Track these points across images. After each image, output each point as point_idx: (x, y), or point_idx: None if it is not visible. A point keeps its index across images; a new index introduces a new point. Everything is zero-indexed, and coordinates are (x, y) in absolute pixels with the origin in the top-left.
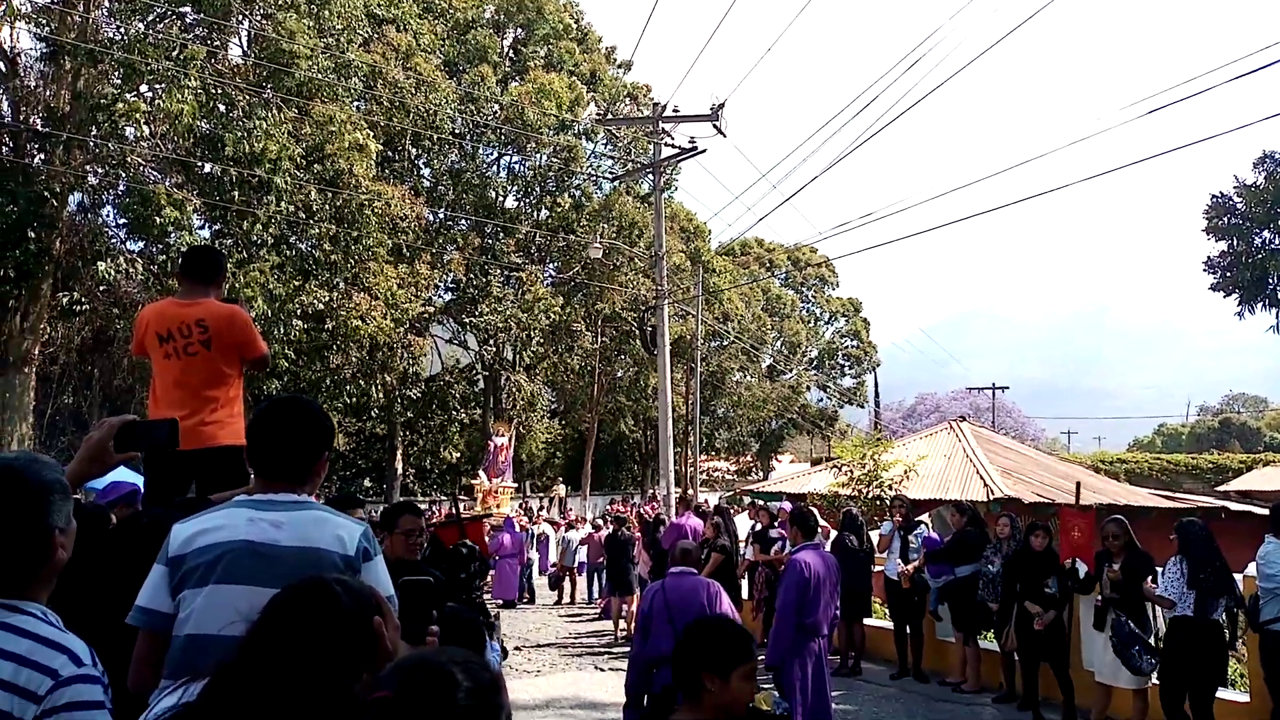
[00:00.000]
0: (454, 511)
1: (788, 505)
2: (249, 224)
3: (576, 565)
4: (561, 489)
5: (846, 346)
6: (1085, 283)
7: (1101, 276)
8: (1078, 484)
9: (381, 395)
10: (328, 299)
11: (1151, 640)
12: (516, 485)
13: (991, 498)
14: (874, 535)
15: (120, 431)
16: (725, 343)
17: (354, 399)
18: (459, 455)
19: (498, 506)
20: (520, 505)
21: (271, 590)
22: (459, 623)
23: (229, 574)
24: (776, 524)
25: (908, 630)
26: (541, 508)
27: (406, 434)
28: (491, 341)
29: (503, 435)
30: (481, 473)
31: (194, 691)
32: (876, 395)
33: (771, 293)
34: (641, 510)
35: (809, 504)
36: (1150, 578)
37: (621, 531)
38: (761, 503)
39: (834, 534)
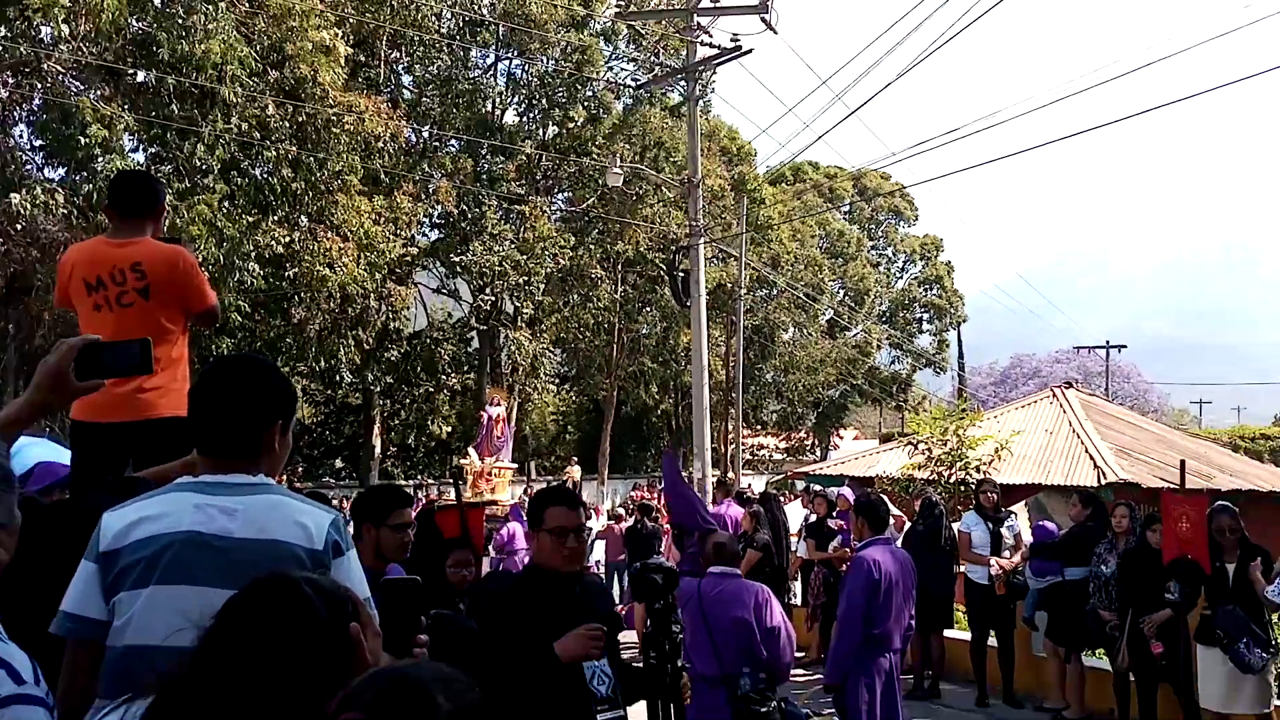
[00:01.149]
0: (457, 494)
1: (850, 492)
2: (192, 146)
3: (593, 564)
4: (575, 471)
5: (925, 296)
6: (1222, 218)
7: (1243, 210)
8: (1181, 462)
9: (355, 357)
10: (288, 239)
11: (1269, 640)
12: (518, 466)
13: (1104, 482)
14: (956, 528)
15: (82, 354)
16: (775, 292)
17: (321, 361)
18: (450, 430)
19: (491, 492)
20: (524, 491)
21: (226, 591)
22: (451, 632)
23: (174, 572)
24: (836, 514)
25: (995, 644)
26: None
27: (385, 404)
28: (488, 291)
29: (499, 404)
30: (471, 450)
31: (136, 713)
32: (961, 356)
33: (832, 229)
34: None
35: (877, 490)
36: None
37: (646, 523)
38: (818, 488)
39: (907, 526)
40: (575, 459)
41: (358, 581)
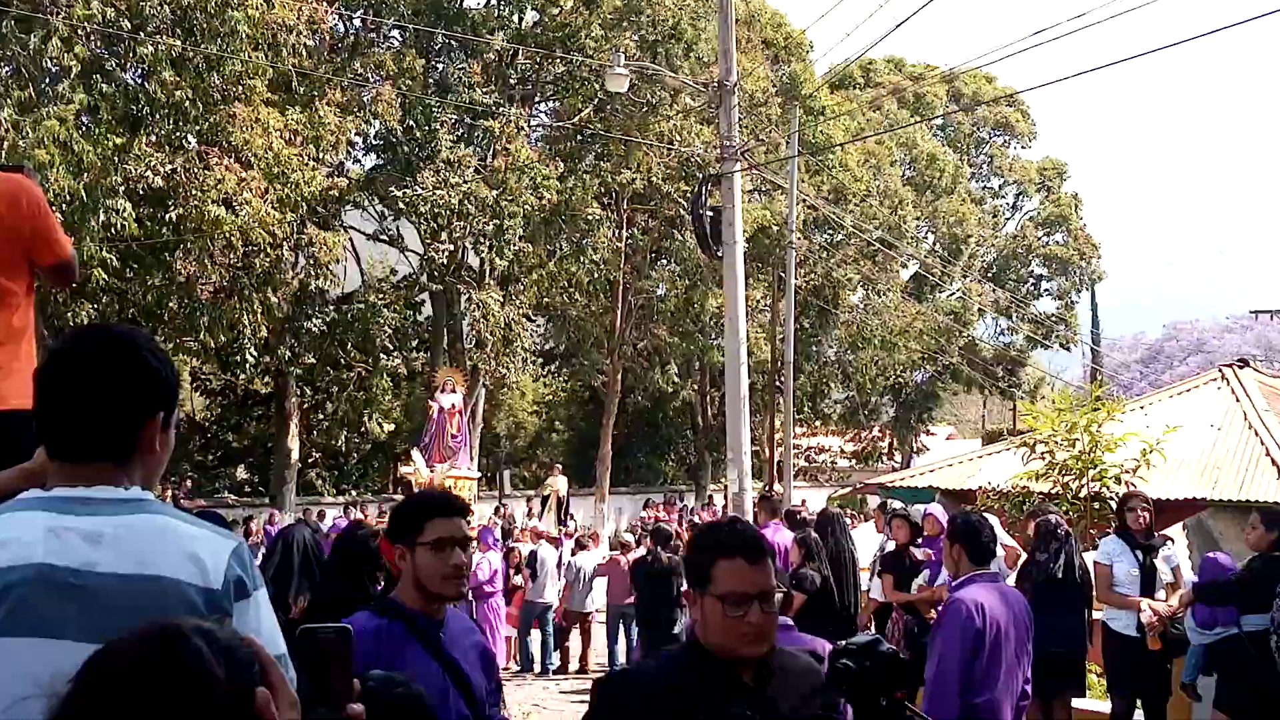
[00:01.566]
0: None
1: (942, 511)
2: (39, 40)
3: (591, 610)
4: (559, 482)
5: (1045, 243)
6: None
7: None
8: None
9: (263, 328)
10: (170, 167)
11: None
12: (483, 476)
13: None
14: (1090, 560)
15: None
16: (839, 237)
17: (217, 335)
18: (392, 428)
19: None
20: (496, 510)
21: (88, 646)
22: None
23: (18, 621)
24: (922, 541)
25: (1143, 717)
26: (530, 514)
27: (305, 393)
28: (444, 237)
29: (453, 390)
30: (416, 455)
31: None
32: (1095, 325)
33: (919, 151)
34: (697, 519)
35: (979, 508)
36: None
37: (661, 555)
38: (898, 506)
39: (1022, 558)
40: (559, 466)
41: (268, 633)
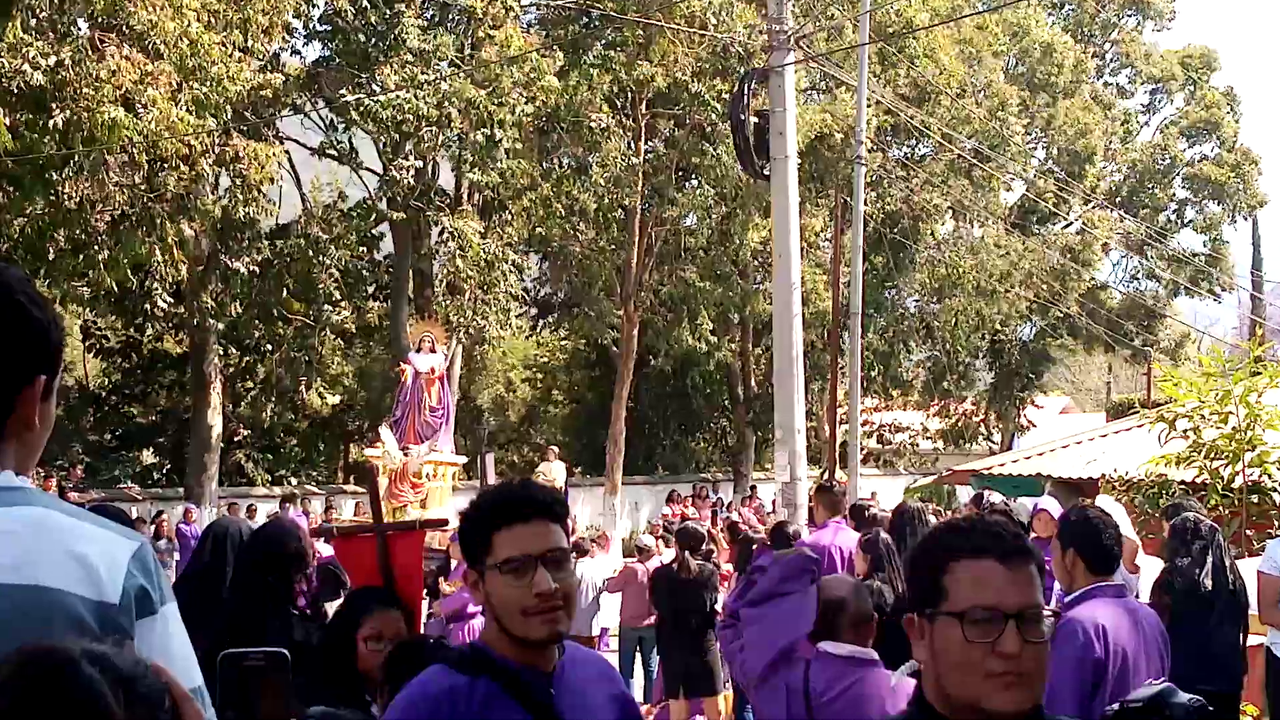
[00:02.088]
0: (374, 508)
1: (1055, 505)
2: None
3: (597, 632)
4: (554, 469)
5: (1191, 160)
6: None
7: None
8: None
9: (177, 268)
10: (53, 59)
11: None
12: (469, 462)
13: None
14: (1247, 569)
15: None
16: (922, 150)
17: (115, 275)
18: (341, 399)
19: (423, 505)
20: None
21: None
22: None
23: None
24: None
25: None
26: None
27: (230, 352)
28: (409, 151)
29: (431, 350)
30: (385, 432)
31: None
32: (1257, 266)
33: (1028, 40)
34: (736, 516)
35: (1100, 501)
36: None
37: (691, 563)
38: (998, 499)
39: (1156, 566)
40: (554, 450)
41: (180, 659)
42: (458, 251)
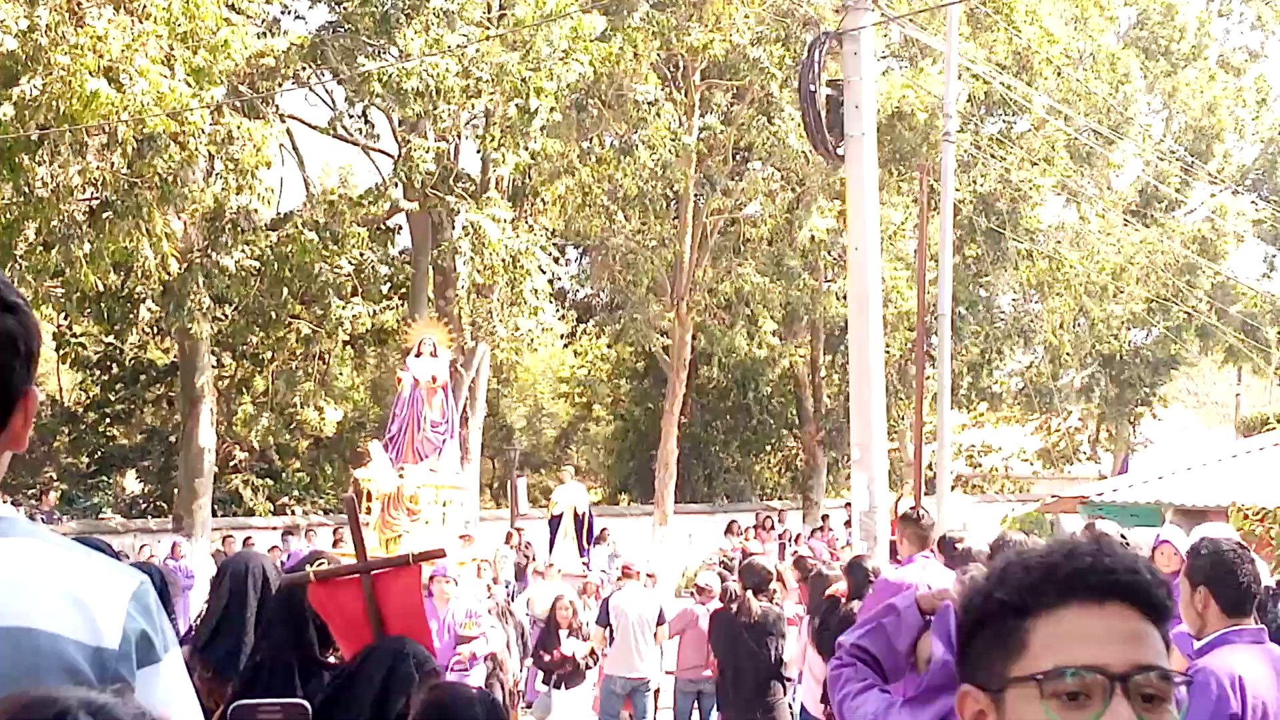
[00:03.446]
0: (357, 543)
1: (1178, 535)
2: None
3: (649, 685)
4: (573, 493)
5: None
6: None
7: None
8: None
9: (166, 265)
10: (25, 20)
11: None
12: (490, 485)
13: None
14: None
15: None
16: (1022, 127)
17: (95, 273)
18: (349, 412)
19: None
20: (508, 537)
21: None
22: None
23: None
24: None
25: None
26: (512, 544)
27: (225, 362)
28: (429, 128)
29: (433, 355)
30: (375, 449)
31: None
32: None
33: (1152, 1)
34: (805, 549)
35: (1232, 533)
36: None
37: (753, 604)
38: (1115, 529)
39: None
40: (570, 469)
41: (184, 712)
42: (476, 244)
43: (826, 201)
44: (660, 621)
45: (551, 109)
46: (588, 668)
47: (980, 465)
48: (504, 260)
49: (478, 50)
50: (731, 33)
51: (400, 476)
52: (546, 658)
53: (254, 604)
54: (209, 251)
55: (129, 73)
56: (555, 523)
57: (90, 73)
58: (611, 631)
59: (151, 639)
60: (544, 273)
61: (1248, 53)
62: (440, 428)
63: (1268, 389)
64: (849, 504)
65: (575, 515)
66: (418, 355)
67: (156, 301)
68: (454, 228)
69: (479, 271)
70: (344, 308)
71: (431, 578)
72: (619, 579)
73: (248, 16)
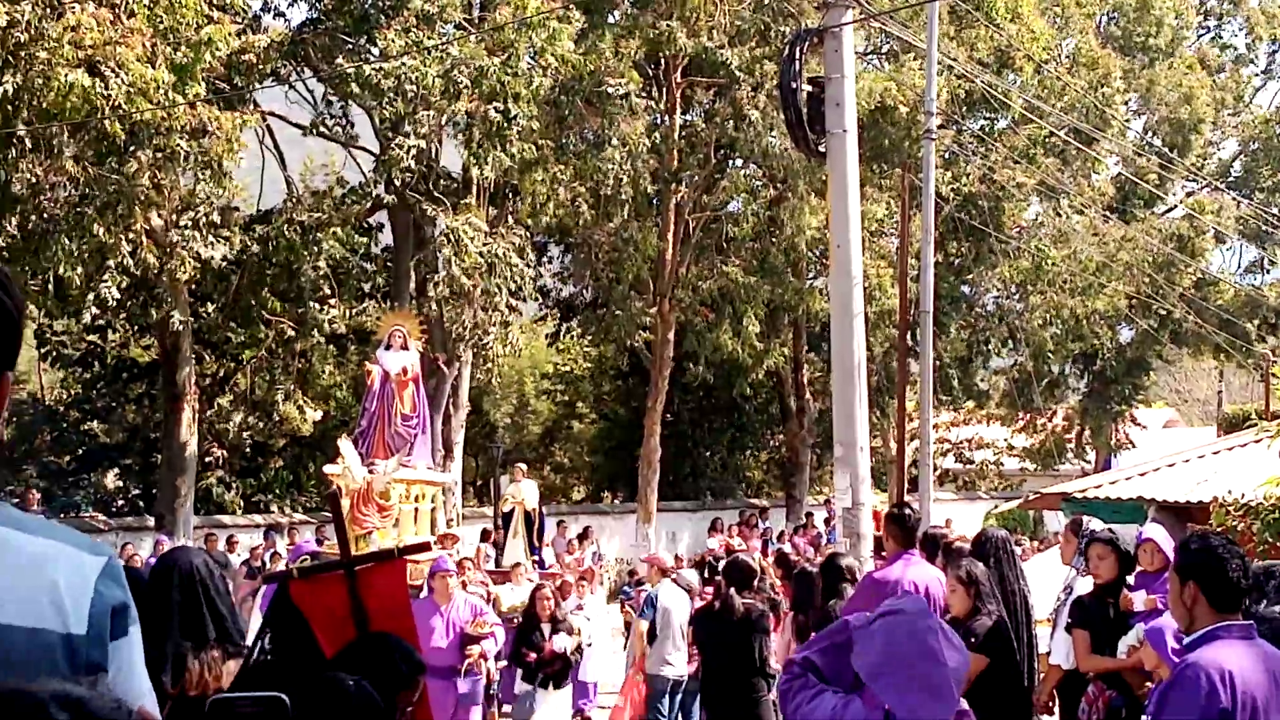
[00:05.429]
0: (341, 538)
1: (1164, 532)
2: None
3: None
4: (523, 490)
5: None
6: None
7: None
8: None
9: (147, 259)
10: (5, 22)
11: None
12: (474, 483)
13: None
14: None
15: None
16: (1003, 123)
17: (74, 269)
18: (327, 413)
19: (394, 528)
20: (486, 534)
21: None
22: None
23: None
24: (1135, 579)
25: None
26: (495, 539)
27: (206, 357)
28: (409, 128)
29: (403, 348)
30: (345, 445)
31: None
32: None
33: None
34: (788, 547)
35: (1214, 528)
36: None
37: (736, 601)
38: (1097, 526)
39: None
40: (521, 468)
41: (145, 686)
42: (452, 248)
43: (810, 199)
44: None
45: (532, 114)
46: (576, 664)
47: (969, 462)
48: (479, 269)
49: (460, 51)
50: (711, 29)
51: (370, 471)
52: (531, 656)
53: (176, 601)
54: (185, 243)
55: (110, 66)
56: (506, 519)
57: (67, 64)
58: (652, 628)
59: (123, 615)
60: (518, 282)
61: (1224, 49)
62: (411, 421)
63: (1249, 385)
64: (828, 501)
65: (525, 512)
66: (388, 347)
67: (141, 296)
68: (434, 231)
69: (456, 277)
70: (321, 310)
71: (433, 573)
72: (650, 573)
73: (229, 13)
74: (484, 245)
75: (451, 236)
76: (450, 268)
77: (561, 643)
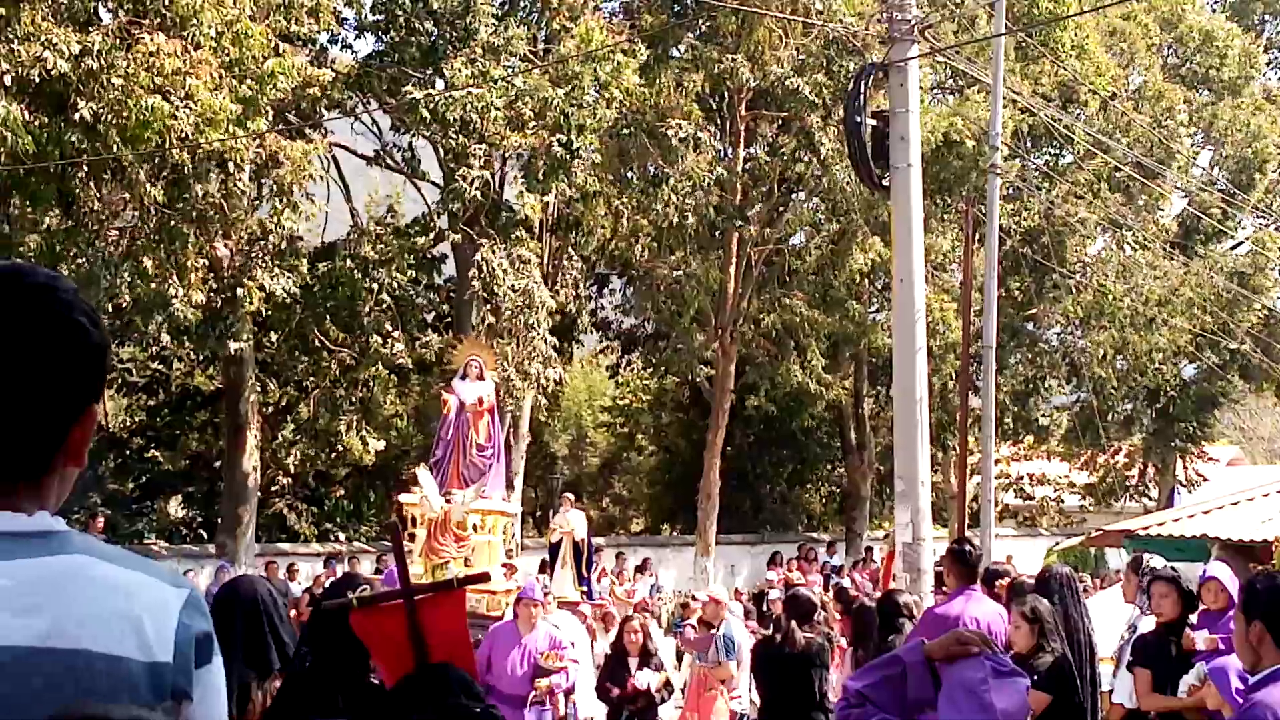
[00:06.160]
0: (401, 569)
1: (1225, 571)
2: None
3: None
4: (571, 520)
5: None
6: None
7: None
8: None
9: (212, 288)
10: (80, 44)
11: None
12: (532, 513)
13: None
14: None
15: None
16: (1067, 158)
17: (143, 295)
18: (390, 443)
19: (467, 561)
20: (547, 564)
21: None
22: None
23: None
24: (1198, 618)
25: None
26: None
27: (269, 386)
28: (474, 160)
29: (479, 378)
30: (422, 474)
31: None
32: None
33: (1184, 26)
34: (847, 581)
35: (1277, 567)
36: None
37: (797, 635)
38: (1160, 564)
39: None
40: (569, 498)
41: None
42: (508, 285)
43: (873, 233)
44: None
45: (595, 147)
46: (662, 701)
47: (1032, 498)
48: (513, 304)
49: (524, 83)
50: (771, 63)
51: (447, 501)
52: (615, 692)
53: (240, 630)
54: (251, 273)
55: (182, 95)
56: (554, 550)
57: (144, 89)
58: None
59: (205, 645)
60: (553, 318)
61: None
62: (486, 451)
63: None
64: (888, 535)
65: (574, 543)
66: (464, 377)
67: (199, 327)
68: (494, 260)
69: (493, 312)
70: (384, 344)
71: (519, 600)
72: (717, 611)
73: (296, 44)
74: (515, 280)
75: (484, 269)
76: (480, 299)
77: (645, 678)
